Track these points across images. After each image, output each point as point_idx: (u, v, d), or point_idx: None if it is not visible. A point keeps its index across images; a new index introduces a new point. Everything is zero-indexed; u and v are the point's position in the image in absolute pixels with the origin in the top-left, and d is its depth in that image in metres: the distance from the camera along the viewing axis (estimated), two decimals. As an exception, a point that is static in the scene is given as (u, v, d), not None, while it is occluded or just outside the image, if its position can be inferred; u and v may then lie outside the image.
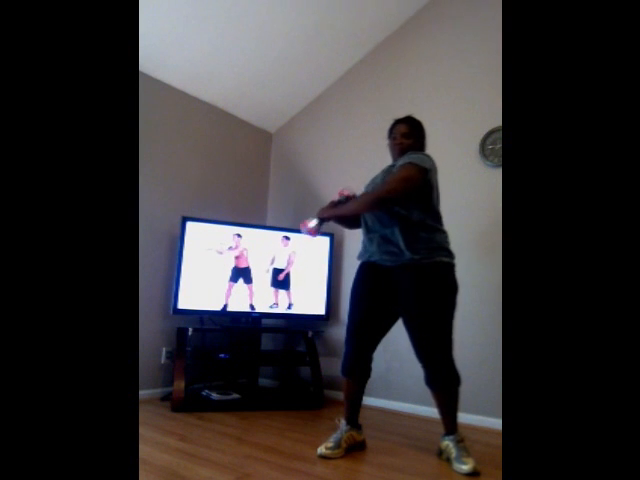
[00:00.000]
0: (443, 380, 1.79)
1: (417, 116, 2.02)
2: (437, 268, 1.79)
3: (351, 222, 2.07)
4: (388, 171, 1.92)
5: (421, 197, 1.82)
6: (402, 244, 1.79)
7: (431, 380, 1.80)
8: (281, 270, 2.97)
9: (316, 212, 1.98)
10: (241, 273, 2.86)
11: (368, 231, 1.94)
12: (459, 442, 1.78)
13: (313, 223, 1.91)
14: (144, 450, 1.75)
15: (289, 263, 2.99)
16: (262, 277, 2.91)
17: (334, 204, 1.99)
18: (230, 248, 2.85)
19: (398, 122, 1.98)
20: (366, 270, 1.94)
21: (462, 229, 2.51)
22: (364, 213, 1.93)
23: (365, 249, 1.96)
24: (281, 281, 2.96)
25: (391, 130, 1.99)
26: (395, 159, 1.96)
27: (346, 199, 1.97)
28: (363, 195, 1.90)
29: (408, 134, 1.93)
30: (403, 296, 1.82)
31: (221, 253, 2.83)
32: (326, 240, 3.07)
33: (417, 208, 1.81)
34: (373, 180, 2.00)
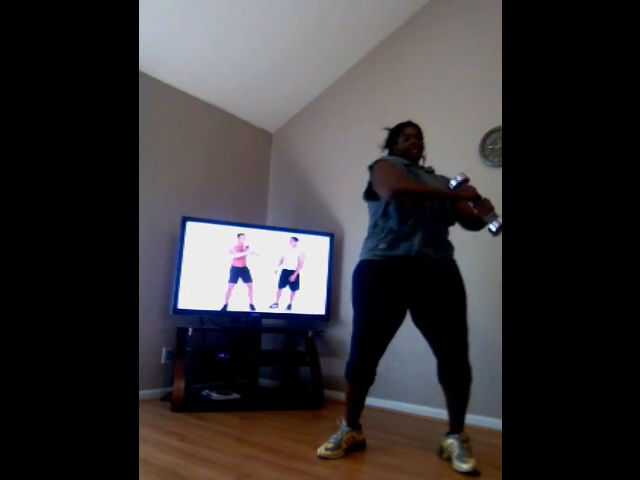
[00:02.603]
0: (462, 376, 1.81)
1: (417, 116, 2.03)
2: (456, 266, 1.91)
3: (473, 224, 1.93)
4: (435, 176, 1.97)
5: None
6: (444, 242, 1.88)
7: (449, 376, 1.82)
8: (291, 271, 2.98)
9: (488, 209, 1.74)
10: (239, 273, 2.86)
11: (418, 224, 1.80)
12: (464, 442, 1.78)
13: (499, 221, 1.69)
14: (144, 450, 1.75)
15: (299, 264, 3.00)
16: (262, 277, 2.91)
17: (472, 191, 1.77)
18: (246, 248, 2.90)
19: (406, 125, 1.98)
20: (390, 269, 1.80)
21: (462, 229, 2.51)
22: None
23: (399, 241, 1.80)
24: (292, 282, 2.97)
25: (398, 132, 1.98)
26: (413, 159, 1.94)
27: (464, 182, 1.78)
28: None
29: (420, 136, 1.97)
30: (435, 294, 1.82)
31: (241, 251, 2.86)
32: (326, 240, 3.07)
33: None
34: (417, 176, 1.87)
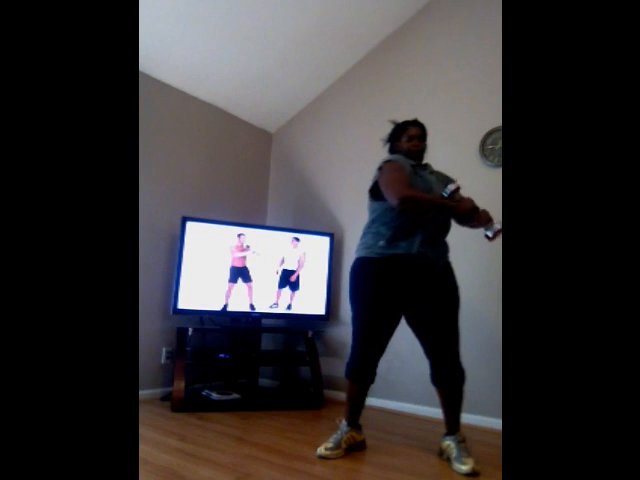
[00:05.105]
0: (454, 377, 1.80)
1: (417, 116, 2.03)
2: (452, 268, 1.91)
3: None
4: (441, 178, 1.96)
5: None
6: (442, 244, 1.89)
7: (441, 378, 1.81)
8: (291, 272, 2.98)
9: (486, 217, 1.76)
10: (239, 273, 2.86)
11: (418, 225, 1.80)
12: (460, 442, 1.78)
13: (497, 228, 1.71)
14: (144, 450, 1.75)
15: (299, 265, 3.00)
16: (262, 277, 2.91)
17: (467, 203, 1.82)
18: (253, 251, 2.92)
19: (411, 124, 1.96)
20: (389, 267, 1.80)
21: (461, 229, 2.52)
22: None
23: (399, 240, 1.79)
24: (292, 282, 2.98)
25: (401, 131, 1.96)
26: (416, 161, 1.93)
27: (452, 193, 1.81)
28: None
29: (423, 137, 1.96)
30: (430, 294, 1.81)
31: (242, 251, 2.88)
32: (326, 240, 3.07)
33: None
34: (424, 180, 1.87)
